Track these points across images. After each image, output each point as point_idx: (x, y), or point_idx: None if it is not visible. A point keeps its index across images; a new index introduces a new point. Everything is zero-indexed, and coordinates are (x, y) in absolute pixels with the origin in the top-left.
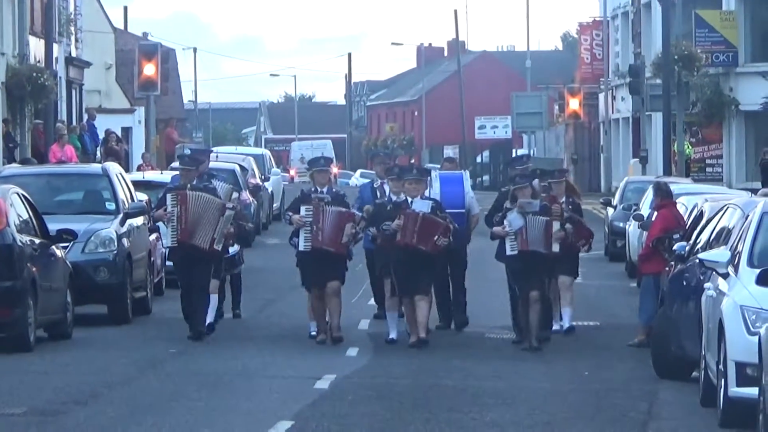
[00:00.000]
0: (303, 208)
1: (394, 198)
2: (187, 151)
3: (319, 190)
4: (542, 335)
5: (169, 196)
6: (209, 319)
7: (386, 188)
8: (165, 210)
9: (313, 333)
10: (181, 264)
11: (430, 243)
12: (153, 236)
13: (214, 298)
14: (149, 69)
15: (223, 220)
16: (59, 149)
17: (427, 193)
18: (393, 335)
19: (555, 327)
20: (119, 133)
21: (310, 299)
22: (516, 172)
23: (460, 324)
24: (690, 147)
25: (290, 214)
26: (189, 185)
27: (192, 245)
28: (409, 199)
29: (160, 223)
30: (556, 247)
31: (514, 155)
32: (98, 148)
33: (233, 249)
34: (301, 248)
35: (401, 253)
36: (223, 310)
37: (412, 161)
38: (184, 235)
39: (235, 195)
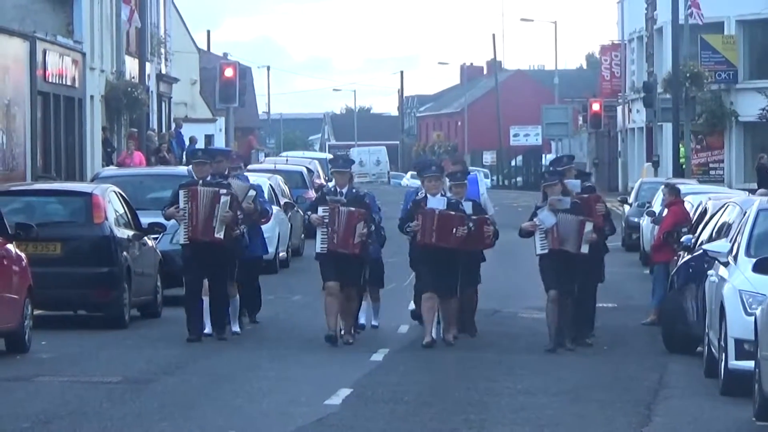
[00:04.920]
0: (320, 209)
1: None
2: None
3: (338, 190)
4: (581, 340)
5: (181, 193)
6: (235, 327)
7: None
8: (177, 208)
9: (329, 334)
10: (190, 263)
11: (451, 239)
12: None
13: (236, 302)
14: (228, 72)
15: (219, 207)
16: (129, 159)
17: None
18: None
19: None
20: (203, 140)
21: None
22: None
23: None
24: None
25: (309, 213)
26: (201, 181)
27: (205, 243)
28: (428, 197)
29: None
30: (585, 249)
31: (555, 156)
32: (152, 157)
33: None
34: (318, 250)
35: (423, 253)
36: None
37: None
38: (195, 233)
39: (251, 193)
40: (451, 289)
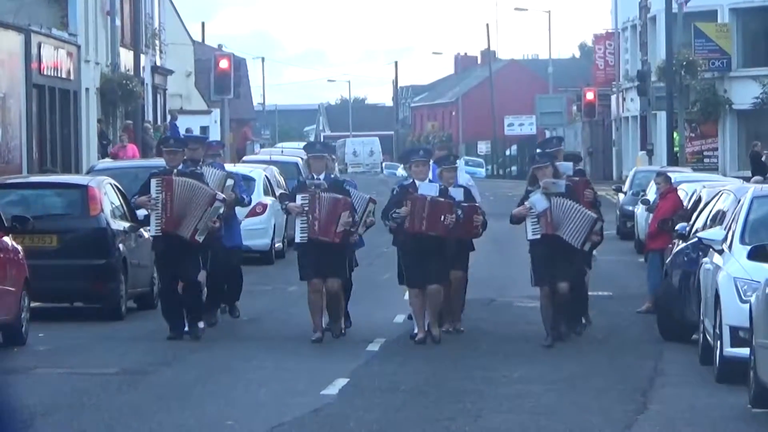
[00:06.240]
0: (299, 197)
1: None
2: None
3: (315, 177)
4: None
5: (153, 182)
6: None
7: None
8: (149, 197)
9: (316, 336)
10: (165, 256)
11: (440, 226)
12: None
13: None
14: (223, 63)
15: (210, 212)
16: (122, 152)
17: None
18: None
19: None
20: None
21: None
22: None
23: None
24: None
25: (286, 203)
26: (175, 170)
27: (177, 235)
28: (417, 183)
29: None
30: (587, 247)
31: (545, 137)
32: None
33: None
34: (297, 240)
35: (410, 240)
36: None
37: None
38: (169, 225)
39: (229, 182)
40: (441, 277)
